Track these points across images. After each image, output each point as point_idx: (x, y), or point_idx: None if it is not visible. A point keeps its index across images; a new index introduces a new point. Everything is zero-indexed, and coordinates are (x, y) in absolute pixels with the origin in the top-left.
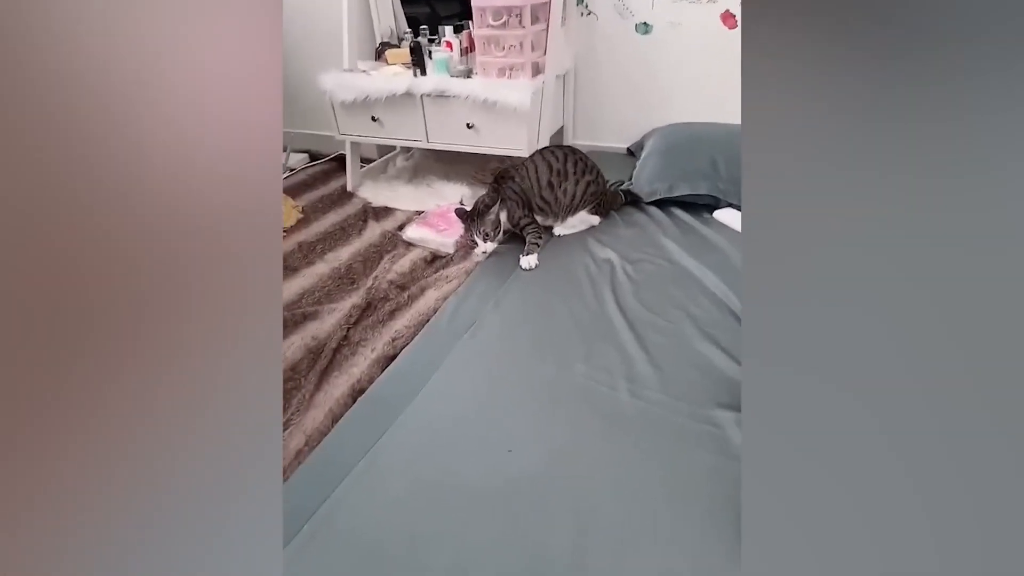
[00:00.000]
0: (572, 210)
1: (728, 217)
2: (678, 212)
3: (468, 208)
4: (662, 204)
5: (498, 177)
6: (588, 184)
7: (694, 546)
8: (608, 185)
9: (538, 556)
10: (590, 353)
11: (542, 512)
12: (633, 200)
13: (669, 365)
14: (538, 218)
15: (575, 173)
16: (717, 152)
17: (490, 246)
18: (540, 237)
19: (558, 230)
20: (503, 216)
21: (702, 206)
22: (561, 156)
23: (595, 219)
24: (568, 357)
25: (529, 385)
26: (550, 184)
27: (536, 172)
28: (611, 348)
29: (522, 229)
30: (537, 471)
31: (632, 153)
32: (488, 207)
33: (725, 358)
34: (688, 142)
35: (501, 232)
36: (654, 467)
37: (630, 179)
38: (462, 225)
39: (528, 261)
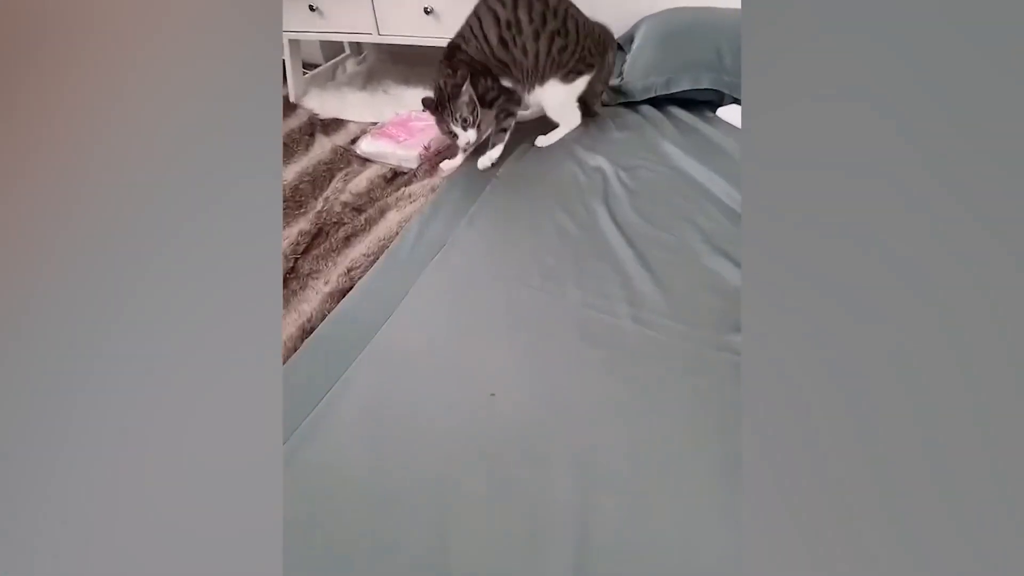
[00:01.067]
0: (540, 76)
1: (735, 115)
2: (676, 111)
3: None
4: (657, 103)
5: (448, 54)
6: (553, 36)
7: (721, 497)
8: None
9: (534, 518)
10: (584, 275)
11: (537, 467)
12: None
13: (677, 285)
14: (506, 83)
15: (532, 22)
16: (722, 39)
17: (473, 135)
18: (509, 116)
19: (540, 141)
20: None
21: (703, 103)
22: (510, 1)
23: (574, 89)
24: (558, 281)
25: (512, 315)
26: (502, 42)
27: (481, 30)
28: (608, 268)
29: (491, 105)
30: (527, 417)
31: (621, 48)
32: (458, 85)
33: (740, 274)
34: (687, 29)
35: (480, 114)
36: (668, 406)
37: (620, 76)
38: (432, 117)
39: (489, 156)
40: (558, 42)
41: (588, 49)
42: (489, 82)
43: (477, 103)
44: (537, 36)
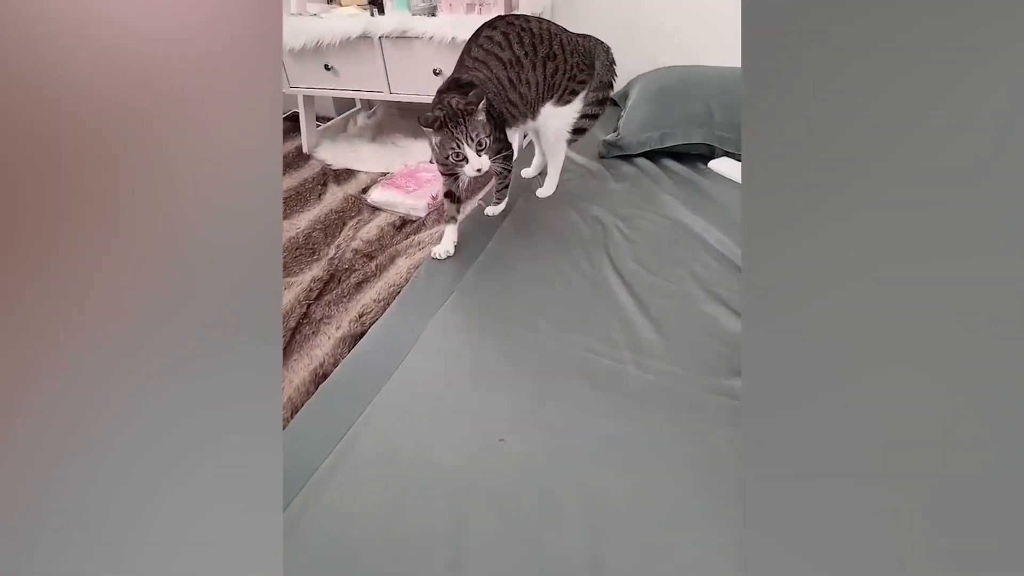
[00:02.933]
0: (539, 103)
1: (726, 167)
2: (670, 163)
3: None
4: (652, 156)
5: (451, 86)
6: (545, 62)
7: (728, 536)
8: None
9: (545, 559)
10: (587, 321)
11: (546, 508)
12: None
13: (676, 331)
14: (510, 131)
15: (527, 55)
16: (711, 97)
17: (486, 162)
18: (509, 173)
19: (540, 192)
20: None
21: (696, 156)
22: (503, 41)
23: (572, 111)
24: (563, 327)
25: (520, 361)
26: (511, 82)
27: (493, 72)
28: (611, 315)
29: (495, 155)
30: (536, 461)
31: (616, 103)
32: (473, 103)
33: (736, 320)
34: (679, 86)
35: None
36: (670, 448)
37: (615, 130)
38: (435, 137)
39: (496, 209)
40: (550, 66)
41: (577, 66)
42: (498, 132)
43: (492, 128)
44: (534, 66)
